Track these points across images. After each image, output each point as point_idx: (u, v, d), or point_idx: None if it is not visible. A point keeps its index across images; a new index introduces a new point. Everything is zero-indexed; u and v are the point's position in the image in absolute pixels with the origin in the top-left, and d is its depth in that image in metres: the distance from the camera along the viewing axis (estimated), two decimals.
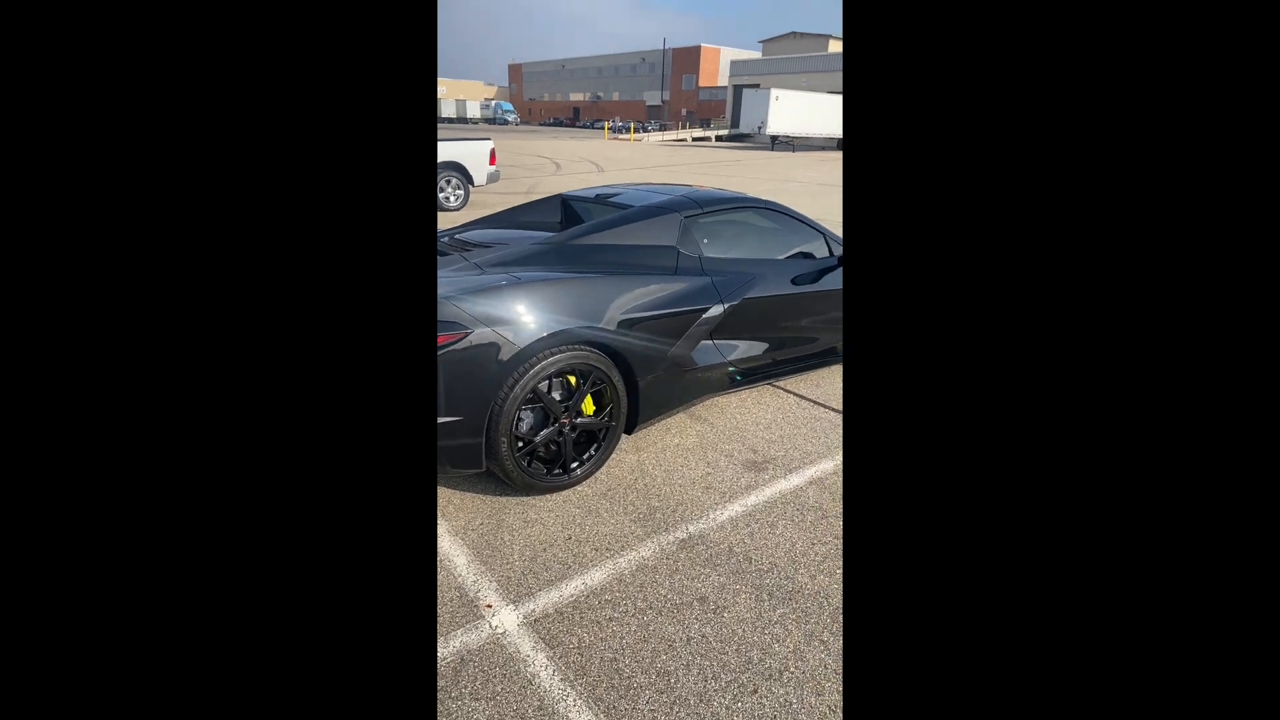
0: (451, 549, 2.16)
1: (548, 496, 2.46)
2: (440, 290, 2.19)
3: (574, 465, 2.50)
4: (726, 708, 1.59)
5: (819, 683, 1.67)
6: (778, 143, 32.37)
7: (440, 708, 1.57)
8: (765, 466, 2.74)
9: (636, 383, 2.58)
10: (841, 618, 1.89)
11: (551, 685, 1.65)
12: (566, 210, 3.53)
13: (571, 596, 1.95)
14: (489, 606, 1.91)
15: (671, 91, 63.07)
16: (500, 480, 2.46)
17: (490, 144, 9.92)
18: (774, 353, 3.25)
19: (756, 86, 36.06)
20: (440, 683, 1.64)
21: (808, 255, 3.45)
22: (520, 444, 2.34)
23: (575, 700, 1.61)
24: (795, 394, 3.50)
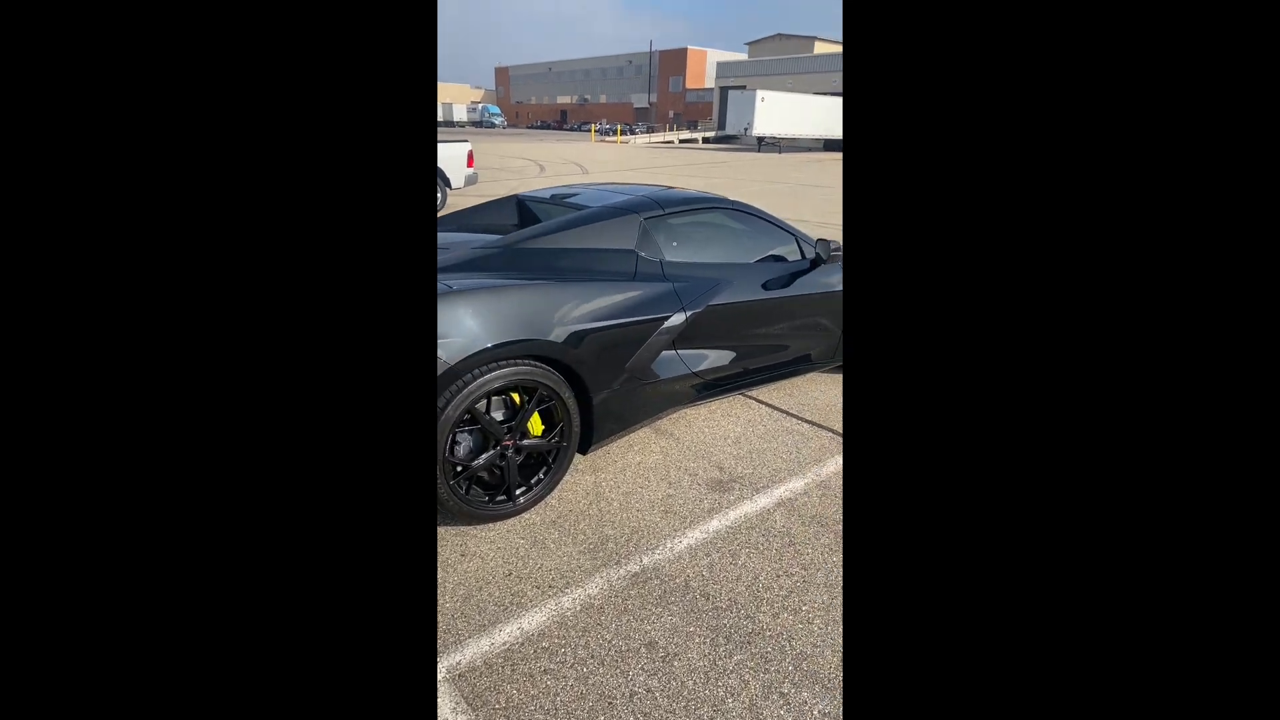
0: None
1: (490, 526, 2.25)
2: None
3: (519, 491, 2.29)
4: None
5: None
6: (764, 144, 32.30)
7: None
8: (731, 486, 2.54)
9: (590, 399, 2.38)
10: (803, 665, 1.69)
11: None
12: (522, 211, 3.33)
13: (504, 645, 1.74)
14: None
15: (659, 94, 63.01)
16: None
17: (468, 146, 9.70)
18: (744, 361, 3.05)
19: (743, 88, 35.99)
20: None
21: (779, 258, 3.26)
22: (458, 469, 2.13)
23: None
24: (767, 404, 3.31)
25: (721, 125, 37.17)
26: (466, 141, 9.74)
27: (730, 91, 35.04)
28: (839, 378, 3.66)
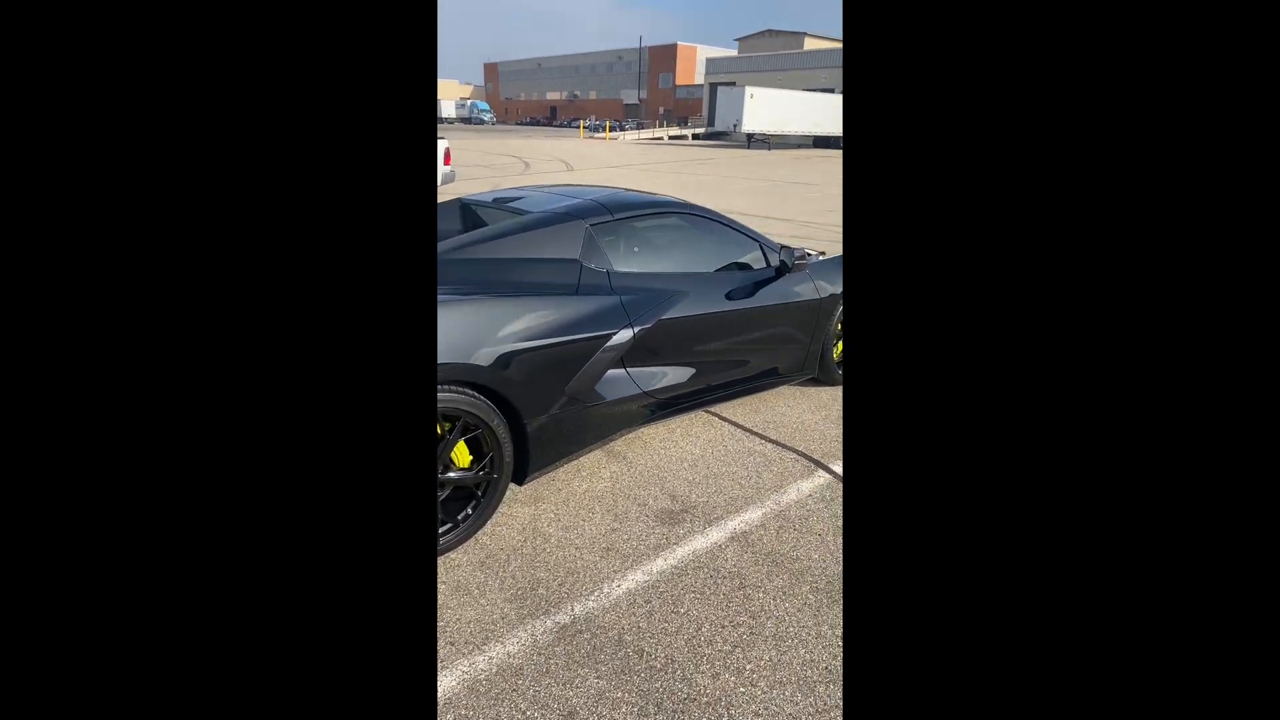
0: None
1: None
2: None
3: (444, 529, 2.08)
4: None
5: None
6: (753, 141, 32.10)
7: None
8: (682, 518, 2.34)
9: (524, 426, 2.16)
10: None
11: None
12: (465, 216, 3.10)
13: None
14: None
15: (649, 90, 62.68)
16: None
17: (445, 144, 9.44)
18: (704, 378, 2.85)
19: (732, 84, 35.74)
20: None
21: (742, 266, 3.06)
22: None
23: None
24: (731, 422, 3.11)
25: (711, 122, 36.89)
26: (443, 139, 9.49)
27: (719, 88, 34.80)
28: (810, 391, 3.47)
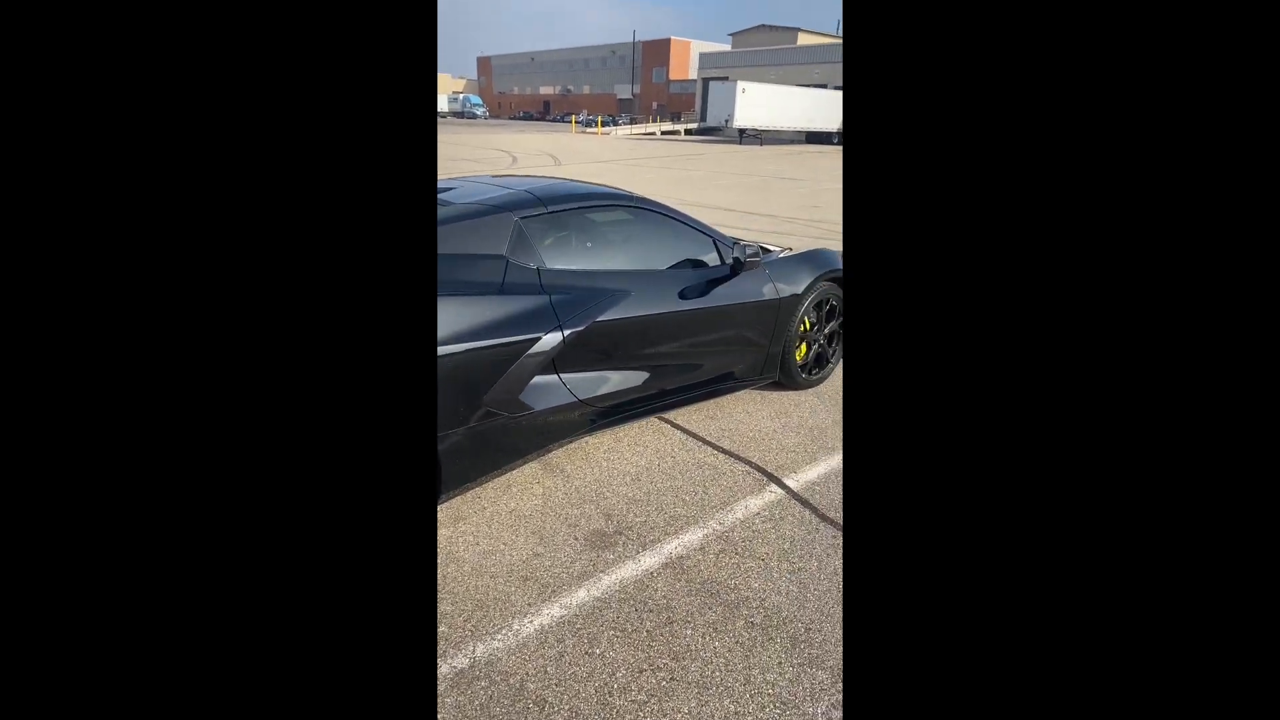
0: None
1: None
2: None
3: None
4: None
5: None
6: (745, 136, 31.84)
7: None
8: (615, 541, 2.13)
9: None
10: None
11: None
12: None
13: None
14: None
15: (642, 85, 62.32)
16: None
17: None
18: (655, 382, 2.64)
19: (725, 79, 35.45)
20: None
21: (695, 263, 2.85)
22: None
23: None
24: (684, 430, 2.90)
25: (703, 117, 36.61)
26: None
27: (711, 83, 34.51)
28: (771, 396, 3.26)
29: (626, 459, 2.64)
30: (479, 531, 2.16)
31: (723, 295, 2.77)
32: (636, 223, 2.77)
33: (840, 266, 3.25)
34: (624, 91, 64.17)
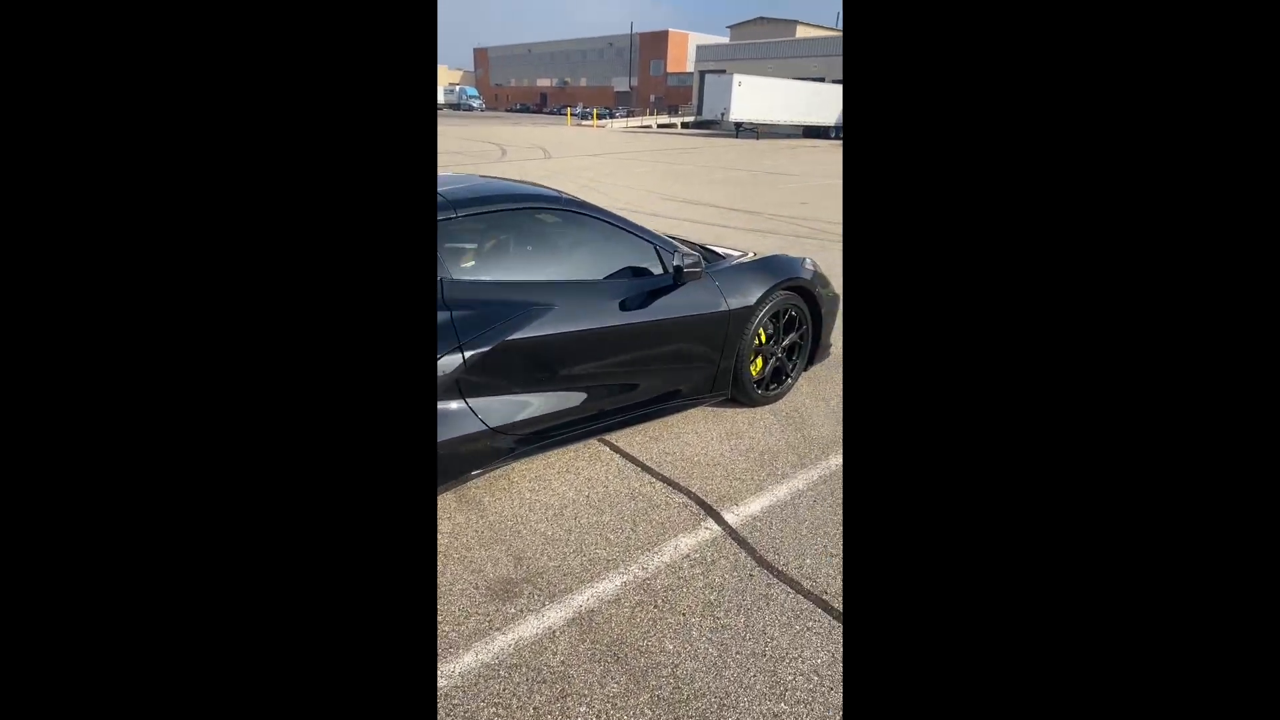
0: None
1: None
2: None
3: None
4: None
5: None
6: (742, 130, 31.48)
7: None
8: (520, 591, 1.89)
9: None
10: None
11: None
12: None
13: None
14: None
15: (640, 77, 61.81)
16: None
17: None
18: (589, 405, 2.41)
19: (723, 72, 35.05)
20: None
21: (637, 271, 2.60)
22: None
23: None
24: (623, 453, 2.65)
25: (699, 110, 36.21)
26: None
27: (707, 75, 34.13)
28: (725, 414, 3.02)
29: (553, 489, 2.40)
30: None
31: (663, 307, 2.53)
32: (566, 228, 2.52)
33: (799, 274, 3.00)
34: (621, 84, 63.67)
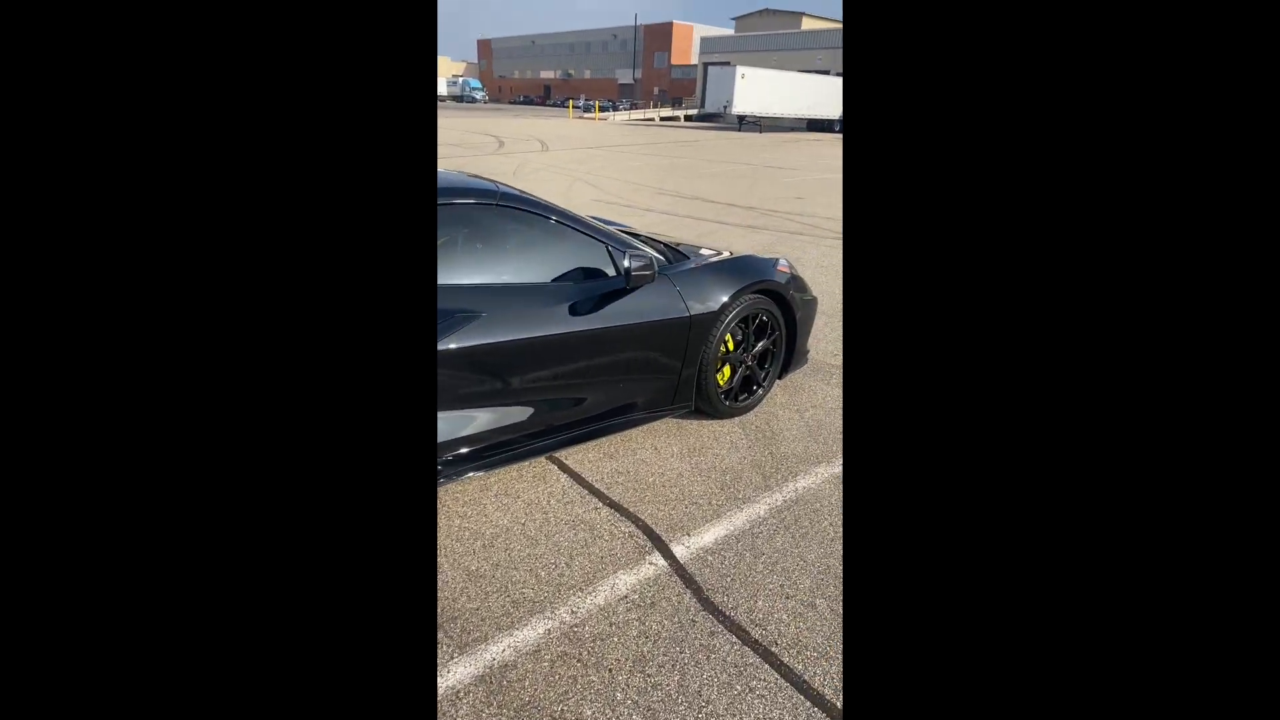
0: None
1: None
2: None
3: None
4: None
5: None
6: (745, 123, 31.09)
7: None
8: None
9: None
10: None
11: None
12: None
13: None
14: None
15: (644, 69, 61.31)
16: None
17: None
18: (532, 421, 2.19)
19: (727, 64, 34.62)
20: None
21: (592, 274, 2.37)
22: None
23: None
24: (573, 473, 2.43)
25: (702, 103, 35.78)
26: None
27: (710, 68, 33.72)
28: (689, 427, 2.79)
29: (488, 516, 2.17)
30: None
31: (615, 313, 2.30)
32: (509, 225, 2.28)
33: (771, 276, 2.76)
34: (625, 76, 63.18)
